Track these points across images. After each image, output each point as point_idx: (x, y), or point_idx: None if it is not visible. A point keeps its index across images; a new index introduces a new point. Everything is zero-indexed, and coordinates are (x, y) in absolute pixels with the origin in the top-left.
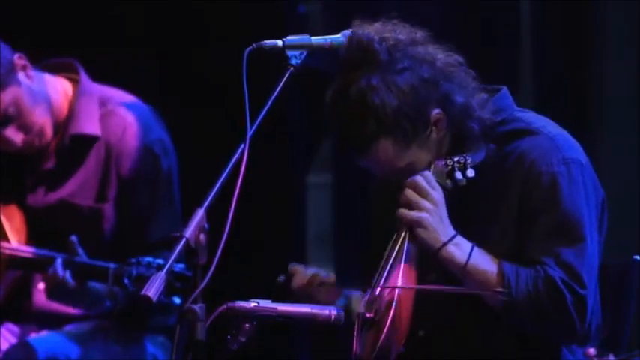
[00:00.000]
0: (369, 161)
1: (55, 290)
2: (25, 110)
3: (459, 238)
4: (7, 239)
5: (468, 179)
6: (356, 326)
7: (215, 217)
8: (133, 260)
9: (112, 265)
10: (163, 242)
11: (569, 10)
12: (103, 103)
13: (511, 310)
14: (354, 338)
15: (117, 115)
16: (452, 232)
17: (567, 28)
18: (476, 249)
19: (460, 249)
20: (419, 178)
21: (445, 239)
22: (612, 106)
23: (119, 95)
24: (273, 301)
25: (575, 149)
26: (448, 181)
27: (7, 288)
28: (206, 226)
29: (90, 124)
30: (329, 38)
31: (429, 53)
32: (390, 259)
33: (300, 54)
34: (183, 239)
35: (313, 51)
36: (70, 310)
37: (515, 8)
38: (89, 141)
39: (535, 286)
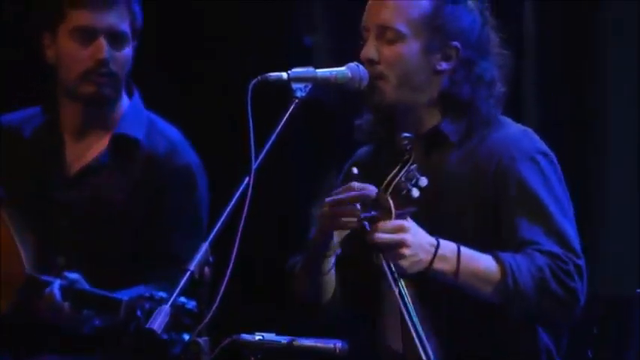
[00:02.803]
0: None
1: (50, 314)
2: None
3: (442, 250)
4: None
5: (423, 188)
6: None
7: (220, 248)
8: (147, 294)
9: (124, 298)
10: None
11: (572, 27)
12: (149, 117)
13: (519, 297)
14: None
15: (161, 130)
16: (431, 244)
17: (569, 44)
18: (463, 254)
19: (445, 262)
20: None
21: (429, 257)
22: (614, 122)
23: (159, 118)
24: (278, 334)
25: (545, 144)
26: (409, 204)
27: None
28: (211, 259)
29: (136, 129)
30: (334, 71)
31: (482, 15)
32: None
33: (305, 86)
34: (188, 272)
35: (318, 84)
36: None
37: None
38: (132, 144)
39: (537, 267)
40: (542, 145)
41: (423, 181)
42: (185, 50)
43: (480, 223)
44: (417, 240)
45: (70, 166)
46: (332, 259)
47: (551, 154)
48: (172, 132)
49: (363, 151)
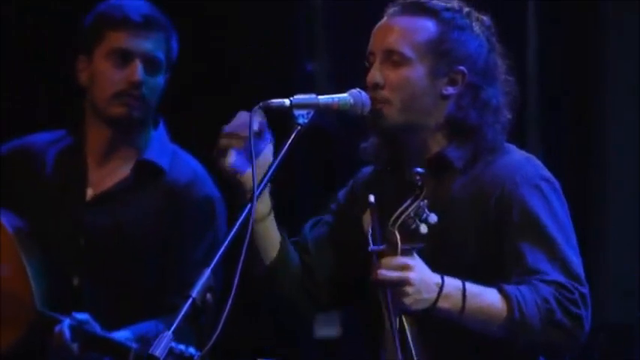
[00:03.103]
0: (392, 25)
1: (58, 353)
2: None
3: (446, 288)
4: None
5: (432, 224)
6: None
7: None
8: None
9: (134, 346)
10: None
11: (574, 53)
12: (173, 148)
13: (526, 330)
14: None
15: (184, 161)
16: (436, 283)
17: (574, 63)
18: (468, 291)
19: (450, 301)
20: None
21: (433, 296)
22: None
23: (182, 150)
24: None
25: (548, 171)
26: (416, 240)
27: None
28: (213, 285)
29: (162, 157)
30: (336, 97)
31: (489, 42)
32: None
33: (307, 113)
34: (190, 299)
35: (320, 110)
36: None
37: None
38: (156, 172)
39: (542, 298)
40: (546, 172)
41: (433, 218)
42: (188, 77)
43: (483, 249)
44: (421, 278)
45: (91, 189)
46: (263, 226)
47: (555, 181)
48: (195, 164)
49: (367, 170)
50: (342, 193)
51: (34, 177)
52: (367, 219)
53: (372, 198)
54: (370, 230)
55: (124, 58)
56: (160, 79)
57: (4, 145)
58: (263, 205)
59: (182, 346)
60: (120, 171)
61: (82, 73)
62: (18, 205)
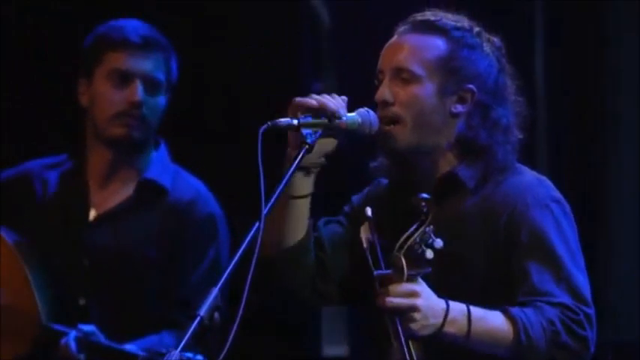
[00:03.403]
0: (401, 43)
1: None
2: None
3: (452, 313)
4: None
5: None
6: None
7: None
8: (163, 350)
9: (141, 354)
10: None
11: (581, 77)
12: (174, 167)
13: (532, 352)
14: None
15: (186, 180)
16: (442, 308)
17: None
18: (474, 315)
19: (456, 326)
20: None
21: (439, 321)
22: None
23: (183, 169)
24: None
25: (559, 192)
26: (422, 265)
27: None
28: (220, 304)
29: (164, 177)
30: (344, 116)
31: (499, 62)
32: None
33: (315, 132)
34: (198, 318)
35: (328, 129)
36: None
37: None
38: (159, 191)
39: (548, 320)
40: (557, 194)
41: (438, 243)
42: (197, 99)
43: (493, 269)
44: (428, 305)
45: (94, 210)
46: (299, 205)
47: (566, 204)
48: (197, 183)
49: (385, 182)
50: (356, 198)
51: (35, 201)
52: (365, 231)
53: (369, 211)
54: (367, 245)
55: (124, 78)
56: (161, 100)
57: (3, 172)
58: (306, 184)
59: (189, 354)
60: (122, 191)
61: (83, 96)
62: (21, 229)
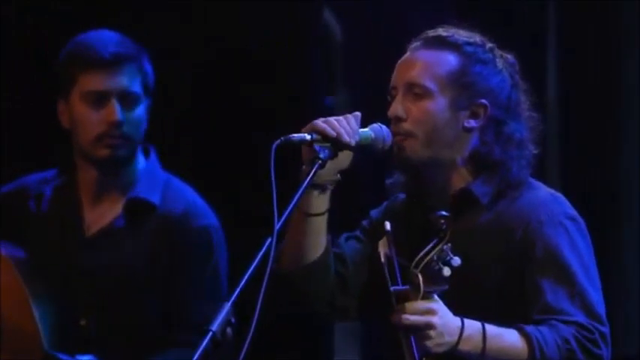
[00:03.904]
0: (414, 59)
1: None
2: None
3: (467, 331)
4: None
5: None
6: None
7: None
8: None
9: None
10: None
11: (595, 92)
12: (165, 178)
13: None
14: None
15: (177, 191)
16: (457, 326)
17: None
18: (489, 333)
19: (471, 343)
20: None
21: (454, 339)
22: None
23: (177, 179)
24: None
25: (574, 209)
26: (439, 283)
27: None
28: (233, 320)
29: (151, 192)
30: (357, 131)
31: (512, 78)
32: None
33: (328, 147)
34: (210, 333)
35: (341, 144)
36: None
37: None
38: (147, 208)
39: (563, 339)
40: (572, 210)
41: (456, 261)
42: (206, 111)
43: (507, 285)
44: (444, 323)
45: (88, 229)
46: (316, 222)
47: (581, 221)
48: (189, 193)
49: (394, 200)
50: (375, 212)
51: (31, 217)
52: (383, 246)
53: (388, 225)
54: (385, 260)
55: (100, 98)
56: (140, 112)
57: (1, 187)
58: (322, 202)
59: None
60: (112, 210)
61: (63, 116)
62: (18, 245)
